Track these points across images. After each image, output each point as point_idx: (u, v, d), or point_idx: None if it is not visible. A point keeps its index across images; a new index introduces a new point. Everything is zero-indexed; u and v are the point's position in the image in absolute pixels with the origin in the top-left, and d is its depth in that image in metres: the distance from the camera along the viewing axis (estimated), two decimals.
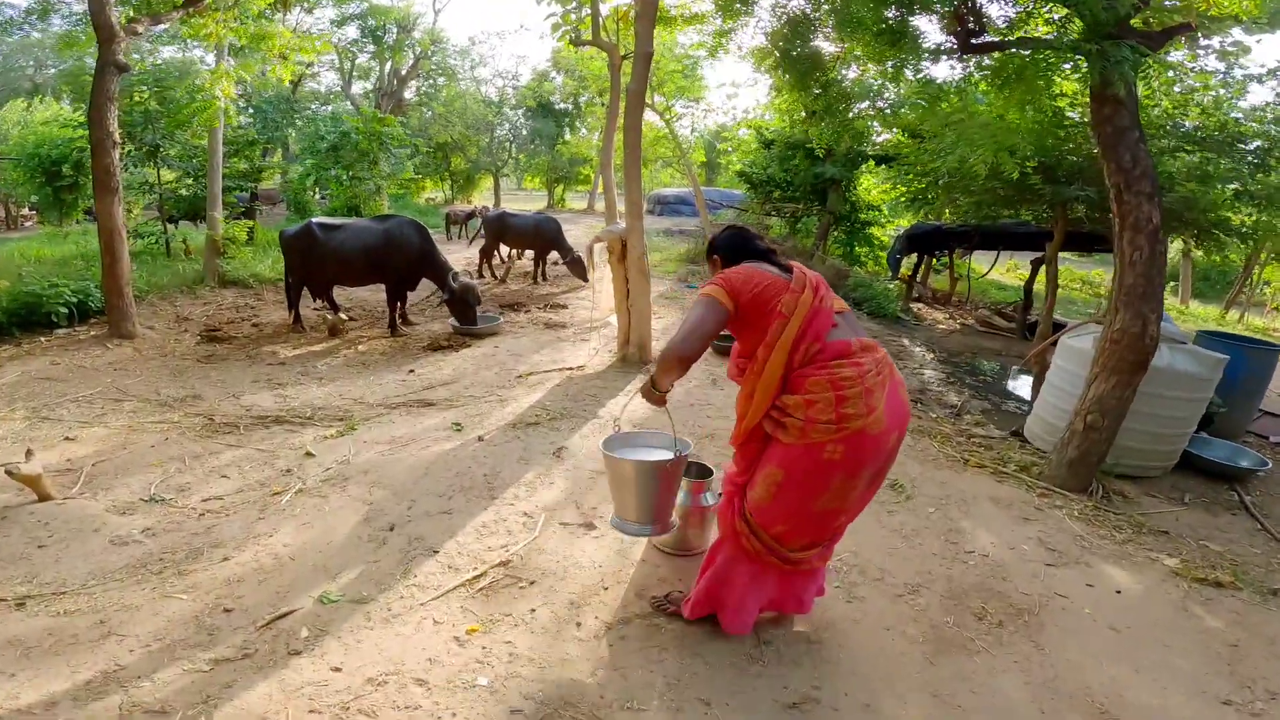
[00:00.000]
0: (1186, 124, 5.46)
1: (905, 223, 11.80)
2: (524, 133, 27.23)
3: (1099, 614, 2.66)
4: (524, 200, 30.40)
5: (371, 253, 6.63)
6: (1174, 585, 2.93)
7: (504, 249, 10.92)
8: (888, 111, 6.63)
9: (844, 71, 5.16)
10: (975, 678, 2.26)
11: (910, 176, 8.19)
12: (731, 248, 2.27)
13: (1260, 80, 5.10)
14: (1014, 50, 3.98)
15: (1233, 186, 5.28)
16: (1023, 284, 10.94)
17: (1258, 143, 5.10)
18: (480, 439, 3.98)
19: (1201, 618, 2.72)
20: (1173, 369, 4.26)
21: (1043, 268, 9.11)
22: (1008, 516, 3.46)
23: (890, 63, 4.24)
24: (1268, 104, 5.12)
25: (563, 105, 26.47)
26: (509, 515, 3.11)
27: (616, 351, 5.95)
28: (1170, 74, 5.32)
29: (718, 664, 2.21)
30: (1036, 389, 5.61)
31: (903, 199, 11.30)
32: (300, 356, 6.24)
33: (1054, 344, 5.11)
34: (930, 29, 4.20)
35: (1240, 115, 5.42)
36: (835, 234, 11.41)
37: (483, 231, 10.59)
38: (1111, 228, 6.92)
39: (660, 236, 14.54)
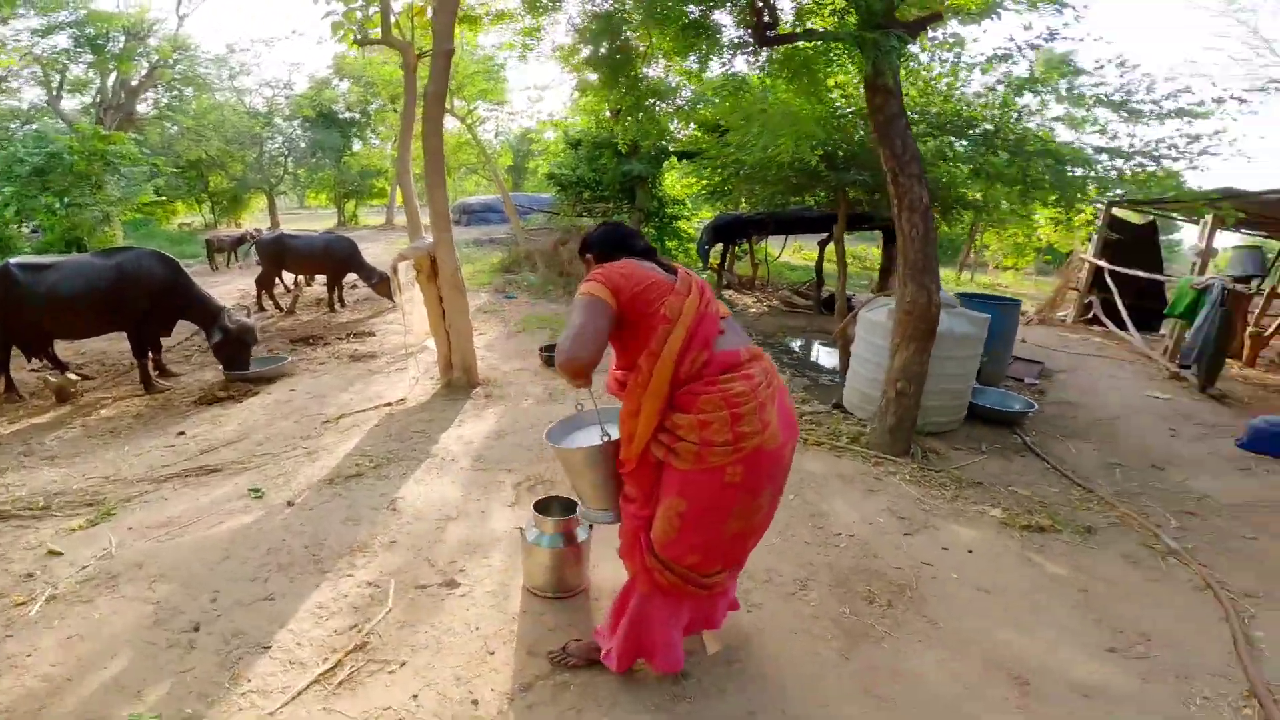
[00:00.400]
0: (931, 111, 6.21)
1: (707, 215, 12.41)
2: (302, 145, 24.40)
3: (964, 577, 2.84)
4: (309, 220, 27.35)
5: (99, 294, 5.34)
6: (1008, 537, 3.23)
7: (289, 276, 9.61)
8: (687, 108, 6.80)
9: (647, 70, 5.15)
10: (890, 665, 2.29)
11: (708, 171, 8.55)
12: (608, 244, 2.04)
13: (982, 70, 5.92)
14: (802, 43, 4.18)
15: (969, 166, 6.12)
16: (813, 264, 12.05)
17: (986, 126, 5.95)
18: (290, 504, 3.34)
19: (1043, 565, 3.00)
20: (952, 332, 4.80)
21: (828, 248, 10.08)
22: (856, 491, 3.62)
23: (694, 56, 4.25)
24: (989, 89, 5.97)
25: (348, 114, 24.18)
26: (349, 589, 2.63)
27: (440, 378, 5.40)
28: (913, 64, 6.00)
29: (641, 709, 2.02)
30: (844, 362, 6.09)
31: (702, 192, 11.88)
32: (20, 433, 4.85)
33: (854, 318, 5.56)
34: (729, 24, 4.29)
35: (966, 103, 6.29)
36: (646, 230, 11.67)
37: (257, 258, 9.18)
38: (878, 209, 7.80)
39: (470, 247, 13.88)
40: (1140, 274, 9.25)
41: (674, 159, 10.84)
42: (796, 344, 8.60)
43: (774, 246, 14.35)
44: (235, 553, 2.89)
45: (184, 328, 6.18)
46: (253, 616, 2.46)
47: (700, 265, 11.05)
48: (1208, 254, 8.28)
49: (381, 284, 8.74)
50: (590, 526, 2.58)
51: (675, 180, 12.46)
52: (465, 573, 2.77)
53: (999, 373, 6.42)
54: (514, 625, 2.44)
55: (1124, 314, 9.10)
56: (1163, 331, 9.47)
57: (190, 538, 3.06)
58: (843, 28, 3.87)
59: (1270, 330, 8.62)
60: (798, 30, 4.24)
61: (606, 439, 2.02)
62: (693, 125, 8.99)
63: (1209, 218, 8.12)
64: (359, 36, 5.41)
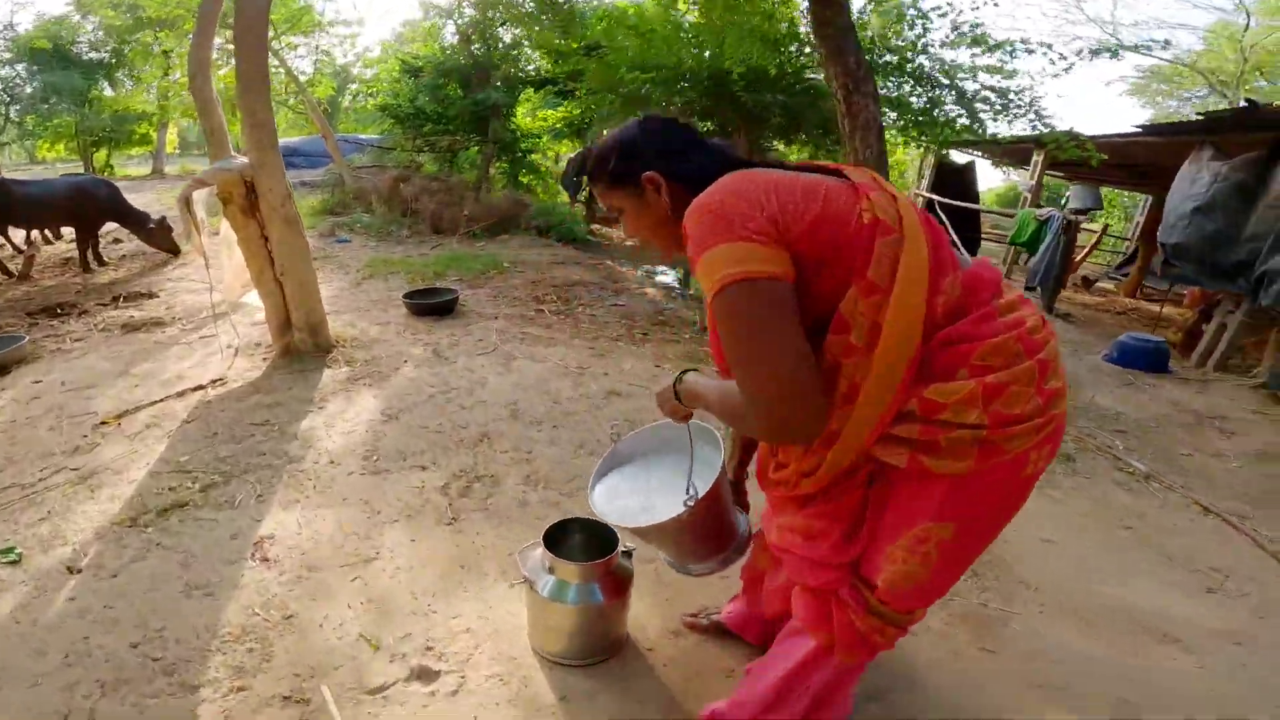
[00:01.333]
0: None
1: (565, 150, 11.38)
2: (29, 90, 19.08)
3: (1017, 528, 2.54)
4: (42, 174, 21.74)
5: None
6: None
7: (19, 233, 7.19)
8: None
9: None
10: (1036, 648, 1.93)
11: (566, 104, 7.67)
12: (673, 145, 1.14)
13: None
14: None
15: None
16: None
17: (889, 57, 5.77)
18: (73, 570, 2.04)
19: (1064, 501, 2.80)
20: None
21: None
22: None
23: None
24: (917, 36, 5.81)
25: (93, 55, 19.18)
26: (251, 713, 1.55)
27: (274, 342, 4.05)
28: None
29: None
30: None
31: (559, 125, 10.83)
32: None
33: None
34: None
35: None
36: (500, 165, 10.39)
37: None
38: (762, 151, 7.47)
39: None
40: (975, 206, 10.02)
41: (530, 89, 9.66)
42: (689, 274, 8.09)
43: None
44: (7, 664, 1.67)
45: None
46: None
47: (568, 200, 10.14)
48: (1038, 190, 9.12)
49: (159, 232, 6.77)
50: (632, 555, 1.76)
51: (524, 114, 11.27)
52: (437, 651, 1.74)
53: None
54: None
55: (958, 243, 9.79)
56: (990, 260, 10.39)
57: None
58: None
59: (1080, 257, 9.77)
60: None
61: (693, 498, 1.32)
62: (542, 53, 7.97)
63: (1038, 157, 8.89)
64: None
